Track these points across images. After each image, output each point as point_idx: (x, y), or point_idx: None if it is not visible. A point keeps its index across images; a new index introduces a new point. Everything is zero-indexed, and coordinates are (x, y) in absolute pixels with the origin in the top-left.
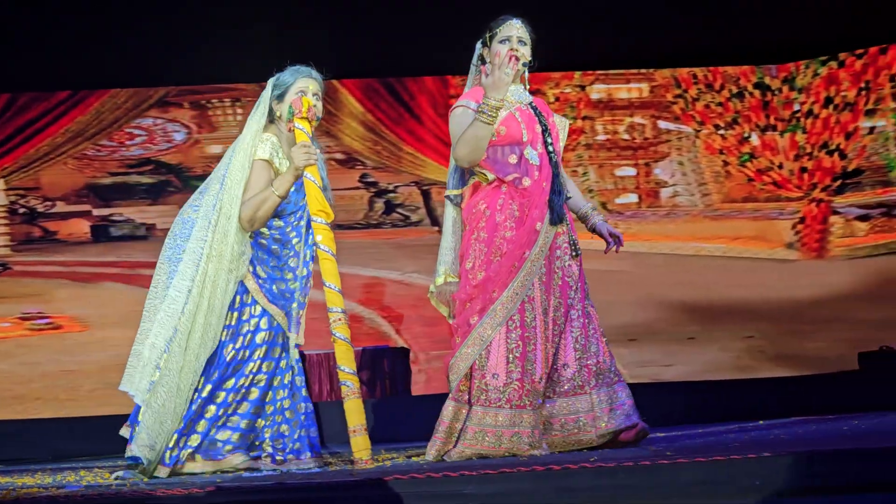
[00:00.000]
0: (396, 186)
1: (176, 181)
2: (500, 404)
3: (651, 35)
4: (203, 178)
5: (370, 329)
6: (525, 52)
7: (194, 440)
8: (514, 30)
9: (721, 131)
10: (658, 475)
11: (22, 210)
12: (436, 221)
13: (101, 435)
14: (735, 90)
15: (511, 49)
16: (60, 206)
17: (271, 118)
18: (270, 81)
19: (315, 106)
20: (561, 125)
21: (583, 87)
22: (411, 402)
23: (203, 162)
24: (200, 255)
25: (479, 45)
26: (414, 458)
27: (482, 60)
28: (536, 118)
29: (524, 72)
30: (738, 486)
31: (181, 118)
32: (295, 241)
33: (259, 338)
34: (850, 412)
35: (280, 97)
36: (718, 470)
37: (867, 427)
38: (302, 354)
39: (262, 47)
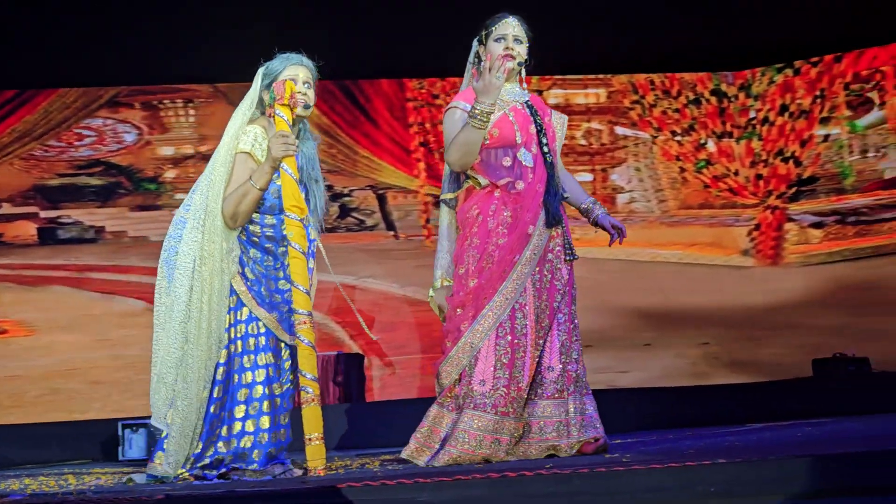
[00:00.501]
0: (352, 190)
1: (126, 183)
2: (485, 409)
3: (608, 41)
4: (154, 180)
5: (324, 335)
6: (521, 51)
7: (222, 447)
8: (510, 28)
9: (678, 138)
10: (613, 482)
11: None
12: (391, 226)
13: (47, 442)
14: (692, 97)
15: (506, 47)
16: (6, 208)
17: (262, 109)
18: (260, 70)
19: (305, 94)
20: (559, 122)
21: (540, 92)
22: (366, 409)
23: (154, 163)
24: (194, 258)
25: (475, 43)
26: (368, 465)
27: (478, 59)
28: (531, 118)
29: (520, 70)
30: (693, 492)
31: (132, 119)
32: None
33: (250, 343)
34: (805, 418)
35: (269, 86)
36: (674, 476)
37: (821, 433)
38: None
39: (215, 48)
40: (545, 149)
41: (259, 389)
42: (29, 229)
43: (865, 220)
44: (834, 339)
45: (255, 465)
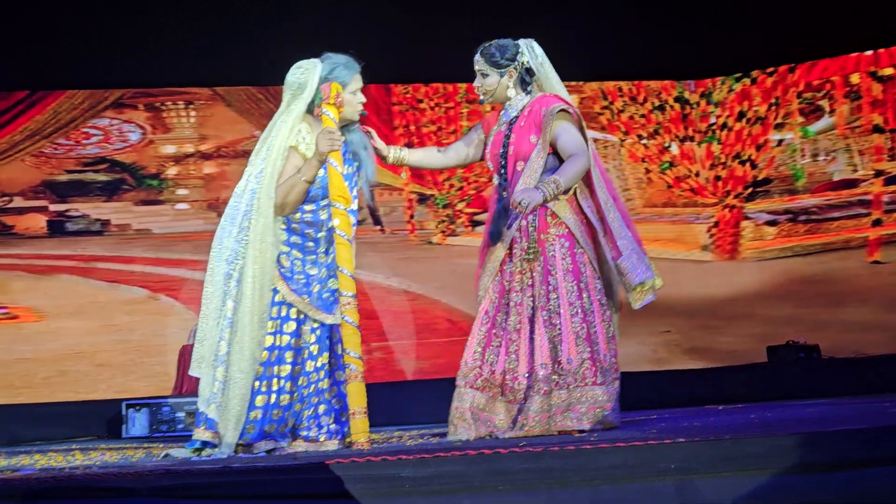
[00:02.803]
0: None
1: (130, 179)
2: (469, 384)
3: (581, 50)
4: (156, 176)
5: None
6: (488, 82)
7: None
8: (475, 65)
9: (643, 141)
10: (582, 459)
11: None
12: (378, 221)
13: (55, 420)
14: (657, 103)
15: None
16: (18, 202)
17: (309, 108)
18: (317, 73)
19: (361, 101)
20: (545, 118)
21: None
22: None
23: (157, 161)
24: (245, 257)
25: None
26: (404, 440)
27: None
28: (503, 140)
29: (491, 95)
30: (655, 468)
31: (136, 119)
32: (330, 224)
33: (271, 325)
34: (760, 401)
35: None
36: (637, 454)
37: (774, 415)
38: None
39: (215, 54)
40: (503, 172)
41: (272, 369)
42: (39, 222)
43: (815, 218)
44: (786, 328)
45: (248, 438)
